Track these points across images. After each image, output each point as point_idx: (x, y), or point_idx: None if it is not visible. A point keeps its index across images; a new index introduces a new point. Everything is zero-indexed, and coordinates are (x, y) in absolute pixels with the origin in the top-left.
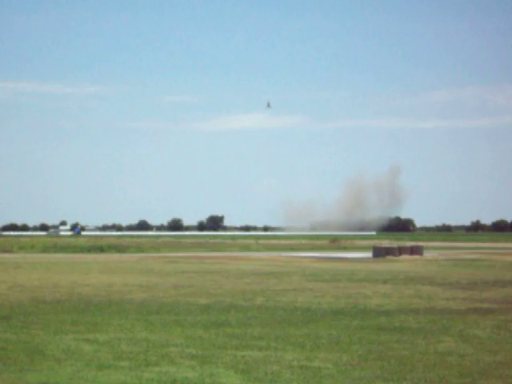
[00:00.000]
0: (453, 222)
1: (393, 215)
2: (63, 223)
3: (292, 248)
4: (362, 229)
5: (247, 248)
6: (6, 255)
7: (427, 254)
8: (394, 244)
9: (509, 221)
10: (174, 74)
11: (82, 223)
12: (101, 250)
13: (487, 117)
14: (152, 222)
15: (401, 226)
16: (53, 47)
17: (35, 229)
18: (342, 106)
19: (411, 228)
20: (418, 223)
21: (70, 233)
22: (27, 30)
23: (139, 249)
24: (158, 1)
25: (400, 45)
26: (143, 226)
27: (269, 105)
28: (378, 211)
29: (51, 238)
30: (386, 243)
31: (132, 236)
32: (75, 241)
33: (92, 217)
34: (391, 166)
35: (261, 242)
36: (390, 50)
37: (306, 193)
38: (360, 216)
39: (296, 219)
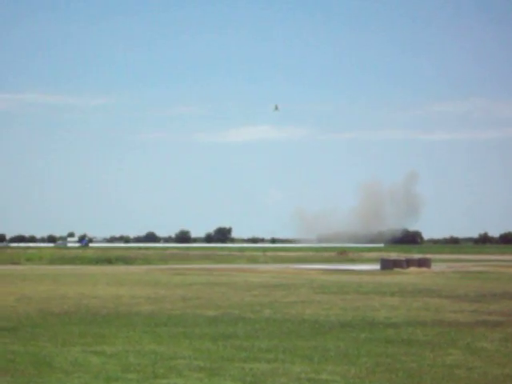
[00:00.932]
0: (460, 235)
1: (410, 225)
2: (71, 235)
3: (300, 260)
4: (377, 240)
5: (255, 260)
6: (14, 267)
7: (435, 267)
8: (402, 256)
9: None
10: (180, 85)
11: (90, 235)
12: (108, 261)
13: (493, 129)
14: (160, 233)
15: (408, 239)
16: (57, 58)
17: (43, 240)
18: (347, 118)
19: (419, 240)
20: (426, 235)
21: (77, 244)
22: (31, 40)
23: (147, 261)
24: (162, 13)
25: (405, 56)
26: (151, 237)
27: (276, 107)
28: (395, 221)
29: (59, 250)
30: (393, 255)
31: (140, 248)
32: (83, 252)
33: (99, 228)
34: (408, 171)
35: (268, 253)
36: (396, 61)
37: (315, 204)
38: (376, 227)
39: (309, 229)
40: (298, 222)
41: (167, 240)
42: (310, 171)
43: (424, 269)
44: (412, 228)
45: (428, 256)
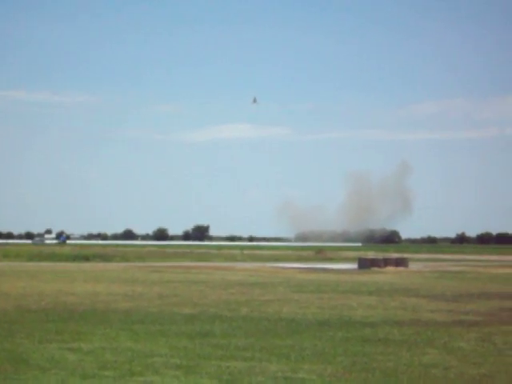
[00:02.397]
0: (438, 234)
1: (401, 222)
2: (48, 231)
3: (277, 258)
4: (367, 240)
5: (233, 258)
6: None
7: (412, 266)
8: (380, 256)
9: (493, 233)
10: (161, 83)
11: (68, 232)
12: (86, 258)
13: (473, 129)
14: (137, 231)
15: (386, 238)
16: (41, 55)
17: (20, 237)
18: (328, 118)
19: (396, 240)
20: (404, 235)
21: (55, 241)
22: (14, 38)
23: (124, 258)
24: (147, 10)
25: (387, 57)
26: (128, 235)
27: (255, 100)
28: (385, 218)
29: (36, 247)
30: (371, 255)
31: (117, 245)
32: (60, 249)
33: (77, 225)
34: (400, 163)
35: (246, 252)
36: (377, 61)
37: (297, 202)
38: (366, 224)
39: (297, 226)
40: (285, 217)
41: (145, 237)
42: (289, 170)
43: (401, 268)
44: (389, 227)
45: (405, 255)
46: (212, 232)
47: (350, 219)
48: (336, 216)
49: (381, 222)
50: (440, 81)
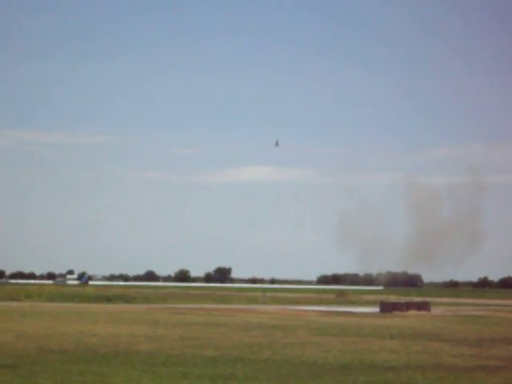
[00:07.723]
0: (460, 278)
1: (467, 261)
2: (70, 272)
3: (299, 301)
4: (389, 283)
5: (254, 300)
6: (13, 303)
7: (434, 310)
8: (402, 299)
9: None
10: (180, 125)
11: (90, 273)
12: (108, 299)
13: (490, 174)
14: (159, 272)
15: (408, 282)
16: (59, 96)
17: (42, 277)
18: (347, 161)
19: (418, 283)
20: (426, 279)
21: (76, 282)
22: (32, 78)
23: (146, 299)
24: (165, 50)
25: (403, 100)
26: (150, 276)
27: (277, 143)
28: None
29: (58, 287)
30: (393, 298)
31: (139, 286)
32: (82, 290)
33: (99, 266)
34: (469, 171)
35: (268, 294)
36: (394, 105)
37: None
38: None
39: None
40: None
41: (166, 279)
42: (311, 212)
43: (423, 312)
44: (411, 271)
45: (427, 299)
46: (234, 274)
47: (414, 258)
48: (397, 254)
49: (446, 264)
50: (456, 124)
